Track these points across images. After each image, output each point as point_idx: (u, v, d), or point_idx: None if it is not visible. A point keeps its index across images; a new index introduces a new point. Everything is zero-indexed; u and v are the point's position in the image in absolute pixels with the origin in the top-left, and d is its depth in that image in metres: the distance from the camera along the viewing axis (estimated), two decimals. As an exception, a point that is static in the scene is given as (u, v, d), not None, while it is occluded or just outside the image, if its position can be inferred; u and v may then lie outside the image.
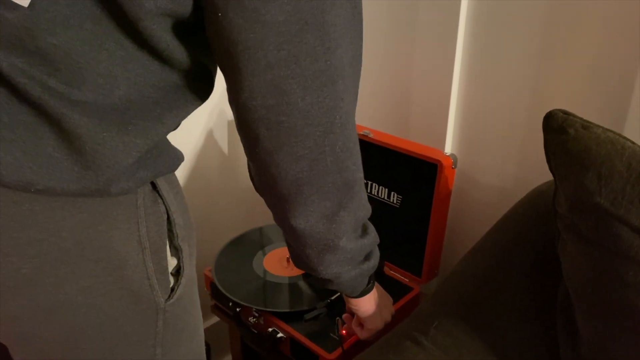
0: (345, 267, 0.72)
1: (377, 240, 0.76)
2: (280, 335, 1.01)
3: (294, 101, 0.53)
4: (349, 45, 0.54)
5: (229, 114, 1.34)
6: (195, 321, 0.71)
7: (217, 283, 1.08)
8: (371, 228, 0.75)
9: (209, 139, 1.33)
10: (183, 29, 0.54)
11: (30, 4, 0.47)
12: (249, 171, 0.68)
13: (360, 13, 0.55)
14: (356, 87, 0.59)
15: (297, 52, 0.51)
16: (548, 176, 0.79)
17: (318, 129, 0.56)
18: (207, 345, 1.28)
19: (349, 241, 0.69)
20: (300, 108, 0.54)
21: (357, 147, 0.63)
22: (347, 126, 0.59)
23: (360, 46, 0.57)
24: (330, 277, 0.72)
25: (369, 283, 0.83)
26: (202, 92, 0.60)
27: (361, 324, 0.93)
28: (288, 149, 0.57)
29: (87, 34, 0.49)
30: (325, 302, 1.02)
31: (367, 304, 0.87)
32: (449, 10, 1.04)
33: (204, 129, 1.31)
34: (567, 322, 0.78)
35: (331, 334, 0.98)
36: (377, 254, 0.78)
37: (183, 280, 0.65)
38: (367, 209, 0.70)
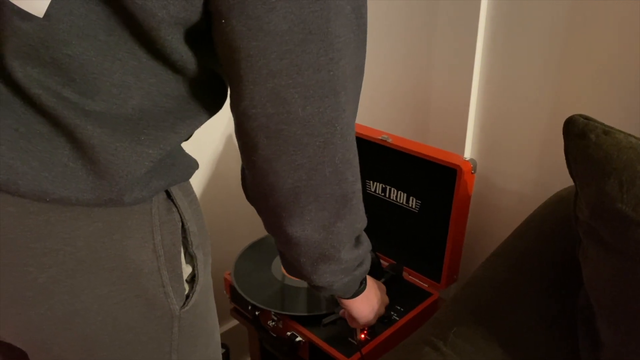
0: (339, 277, 0.72)
1: (370, 247, 0.76)
2: (298, 339, 1.01)
3: (295, 110, 0.53)
4: (352, 57, 0.54)
5: (248, 118, 1.35)
6: (211, 327, 0.72)
7: (236, 286, 1.09)
8: (364, 237, 0.74)
9: (229, 143, 1.34)
10: (196, 38, 0.54)
11: (46, 14, 0.48)
12: (242, 179, 0.67)
13: (364, 24, 0.55)
14: (357, 98, 0.59)
15: (300, 62, 0.51)
16: (568, 181, 0.79)
17: (318, 139, 0.56)
18: (226, 347, 1.29)
19: (345, 252, 0.69)
20: (301, 118, 0.54)
21: (357, 159, 0.63)
22: (348, 137, 0.58)
23: (363, 57, 0.57)
24: (323, 285, 0.72)
25: (360, 285, 0.82)
26: (215, 102, 0.61)
27: (352, 317, 0.93)
28: (286, 158, 0.56)
29: (101, 45, 0.50)
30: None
31: (360, 305, 0.87)
32: (468, 14, 1.04)
33: (223, 133, 1.33)
34: (588, 329, 0.77)
35: (349, 339, 0.98)
36: (369, 259, 0.78)
37: (198, 288, 0.65)
38: (364, 221, 0.70)
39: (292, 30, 0.49)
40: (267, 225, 0.68)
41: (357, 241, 0.72)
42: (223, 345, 1.28)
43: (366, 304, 0.88)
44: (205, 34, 0.54)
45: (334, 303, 1.04)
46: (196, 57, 0.54)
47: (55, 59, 0.50)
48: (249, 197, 0.68)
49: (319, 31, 0.50)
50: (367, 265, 0.78)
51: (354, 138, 0.61)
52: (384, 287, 0.97)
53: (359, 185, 0.65)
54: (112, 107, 0.52)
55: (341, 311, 0.97)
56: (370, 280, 0.89)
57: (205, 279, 0.67)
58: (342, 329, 1.00)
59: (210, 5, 0.50)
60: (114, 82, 0.52)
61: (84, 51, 0.50)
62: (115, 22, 0.50)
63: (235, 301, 1.16)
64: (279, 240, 0.68)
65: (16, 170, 0.50)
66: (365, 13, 0.54)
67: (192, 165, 0.63)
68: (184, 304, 0.64)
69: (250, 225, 1.47)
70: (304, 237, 0.64)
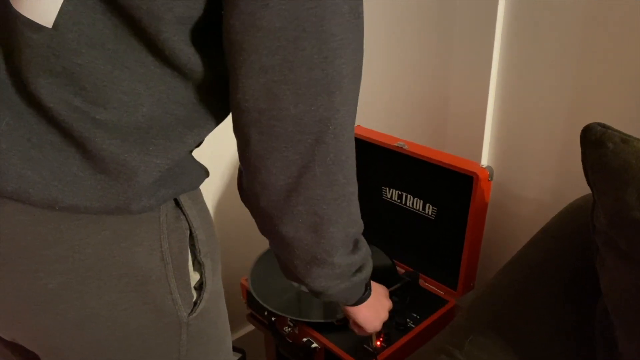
0: (334, 282, 0.70)
1: (369, 253, 0.74)
2: (314, 345, 1.02)
3: (286, 107, 0.53)
4: (350, 57, 0.53)
5: (265, 125, 1.36)
6: (221, 334, 0.72)
7: (252, 292, 1.10)
8: (362, 242, 0.72)
9: (246, 149, 1.35)
10: (201, 38, 0.54)
11: (54, 24, 0.49)
12: (238, 179, 0.67)
13: (362, 25, 0.54)
14: (356, 99, 0.58)
15: (293, 59, 0.50)
16: (587, 189, 0.78)
17: (310, 137, 0.55)
18: (243, 352, 1.30)
19: (339, 257, 0.67)
20: (292, 115, 0.53)
21: (351, 161, 0.61)
22: (341, 138, 0.57)
23: (361, 59, 0.56)
24: (319, 290, 0.71)
25: (365, 291, 0.81)
26: (222, 109, 0.61)
27: (358, 325, 0.90)
28: (278, 154, 0.56)
29: (109, 53, 0.51)
30: None
31: (364, 311, 0.85)
32: (485, 20, 1.04)
33: (241, 139, 1.34)
34: (606, 339, 0.76)
35: (365, 346, 0.98)
36: (369, 265, 0.76)
37: (206, 295, 0.66)
38: (358, 225, 0.68)
39: (286, 28, 0.49)
40: (261, 226, 0.67)
41: (355, 246, 0.70)
42: (239, 350, 1.29)
43: (371, 311, 0.86)
44: (209, 34, 0.54)
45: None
46: (203, 59, 0.55)
47: (66, 68, 0.51)
48: (243, 197, 0.67)
49: (313, 29, 0.50)
50: (367, 271, 0.75)
51: (351, 140, 0.60)
52: (386, 289, 0.95)
53: (351, 188, 0.63)
54: (123, 115, 0.53)
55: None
56: (373, 285, 0.87)
57: (214, 286, 0.67)
58: (358, 335, 1.00)
59: (216, 2, 0.51)
60: (123, 89, 0.53)
61: (93, 60, 0.51)
62: (121, 30, 0.51)
63: (252, 307, 1.17)
64: (272, 241, 0.68)
65: (27, 179, 0.52)
66: (362, 13, 0.54)
67: (201, 173, 0.64)
68: (192, 310, 0.65)
69: (267, 231, 1.47)
70: (297, 238, 0.63)
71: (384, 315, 0.91)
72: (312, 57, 0.51)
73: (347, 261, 0.68)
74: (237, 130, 0.57)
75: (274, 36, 0.49)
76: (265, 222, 0.64)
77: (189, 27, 0.52)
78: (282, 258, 0.69)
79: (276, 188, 0.59)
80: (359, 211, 0.67)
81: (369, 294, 0.82)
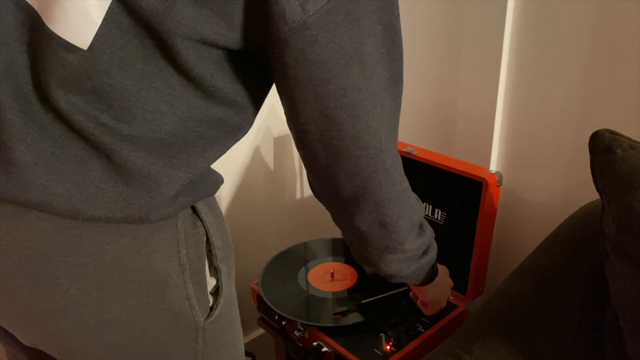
0: (406, 264, 0.78)
1: (433, 234, 0.82)
2: (324, 349, 1.02)
3: (345, 129, 0.58)
4: (384, 70, 0.57)
5: (275, 130, 1.38)
6: (234, 339, 0.73)
7: (263, 296, 1.11)
8: (426, 225, 0.79)
9: (256, 155, 1.36)
10: (225, 61, 0.57)
11: (90, 47, 0.51)
12: (309, 179, 0.72)
13: (399, 39, 0.58)
14: (397, 104, 0.62)
15: (345, 85, 0.54)
16: (596, 194, 0.78)
17: (369, 152, 0.60)
18: (253, 356, 1.30)
19: (409, 243, 0.74)
20: (351, 135, 0.58)
21: (399, 157, 0.67)
22: (392, 143, 0.63)
23: (400, 67, 0.60)
24: (392, 273, 0.78)
25: (432, 271, 0.87)
26: (242, 128, 0.63)
27: (425, 304, 0.99)
28: (342, 167, 0.62)
29: (138, 74, 0.53)
30: (358, 302, 1.06)
31: (431, 291, 0.94)
32: (494, 27, 1.04)
33: (251, 145, 1.35)
34: (616, 344, 0.77)
35: (375, 350, 0.98)
36: (434, 247, 0.84)
37: (222, 300, 0.67)
38: (419, 211, 0.75)
39: (335, 58, 0.53)
40: (335, 219, 0.73)
41: (420, 229, 0.77)
42: (250, 354, 1.29)
43: (438, 289, 0.94)
44: (235, 61, 0.57)
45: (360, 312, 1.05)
46: (225, 78, 0.57)
47: (96, 87, 0.53)
48: (316, 195, 0.73)
49: (356, 54, 0.53)
50: (433, 253, 0.83)
51: (397, 140, 0.65)
52: (446, 268, 1.01)
53: (406, 183, 0.69)
54: (147, 132, 0.55)
55: (417, 300, 1.02)
56: (441, 272, 0.93)
57: (229, 291, 0.69)
58: (369, 339, 1.01)
59: (258, 40, 0.54)
60: (148, 109, 0.54)
61: (122, 80, 0.53)
62: (152, 52, 0.53)
63: (262, 311, 1.17)
64: (347, 232, 0.73)
65: (51, 191, 0.53)
66: (399, 28, 0.57)
67: (217, 180, 0.66)
68: (208, 315, 0.66)
69: (277, 236, 1.48)
70: (369, 232, 0.70)
71: (448, 293, 0.99)
72: (359, 80, 0.55)
73: (415, 245, 0.76)
74: (303, 146, 0.62)
75: (325, 67, 0.53)
76: (340, 217, 0.71)
77: (214, 49, 0.55)
78: (356, 245, 0.75)
79: (345, 192, 0.65)
80: (415, 198, 0.75)
81: (436, 274, 0.90)
